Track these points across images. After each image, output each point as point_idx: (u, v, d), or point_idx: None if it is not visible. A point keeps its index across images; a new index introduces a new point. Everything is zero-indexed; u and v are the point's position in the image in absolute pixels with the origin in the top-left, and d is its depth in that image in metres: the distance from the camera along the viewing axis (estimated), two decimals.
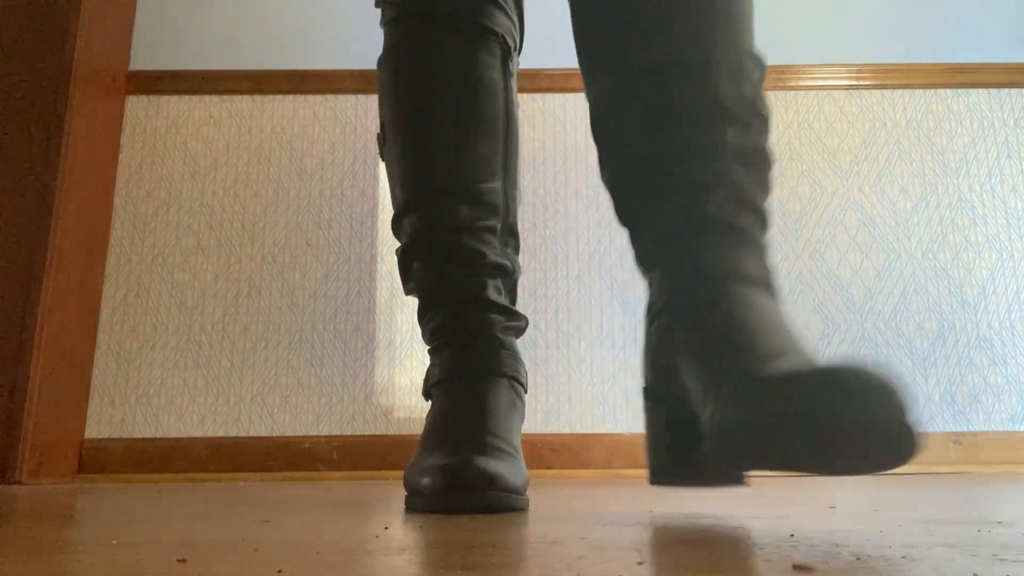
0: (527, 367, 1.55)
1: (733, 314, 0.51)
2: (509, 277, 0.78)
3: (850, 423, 0.40)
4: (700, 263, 0.55)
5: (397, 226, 0.78)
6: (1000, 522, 0.50)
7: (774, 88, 1.70)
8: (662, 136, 0.58)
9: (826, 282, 1.60)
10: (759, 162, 0.58)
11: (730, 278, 0.54)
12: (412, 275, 0.77)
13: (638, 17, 0.59)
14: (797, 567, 0.32)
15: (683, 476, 0.53)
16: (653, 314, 0.59)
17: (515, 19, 0.82)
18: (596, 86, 0.64)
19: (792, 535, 0.43)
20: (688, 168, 0.57)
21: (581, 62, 0.65)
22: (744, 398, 0.44)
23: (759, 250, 0.56)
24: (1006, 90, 1.70)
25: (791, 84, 1.69)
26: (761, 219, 0.58)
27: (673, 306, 0.56)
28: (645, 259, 0.61)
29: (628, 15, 0.60)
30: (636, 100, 0.59)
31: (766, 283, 0.55)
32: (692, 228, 0.57)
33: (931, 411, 1.53)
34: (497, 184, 0.77)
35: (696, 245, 0.56)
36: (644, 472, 1.48)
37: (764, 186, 0.58)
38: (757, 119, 0.58)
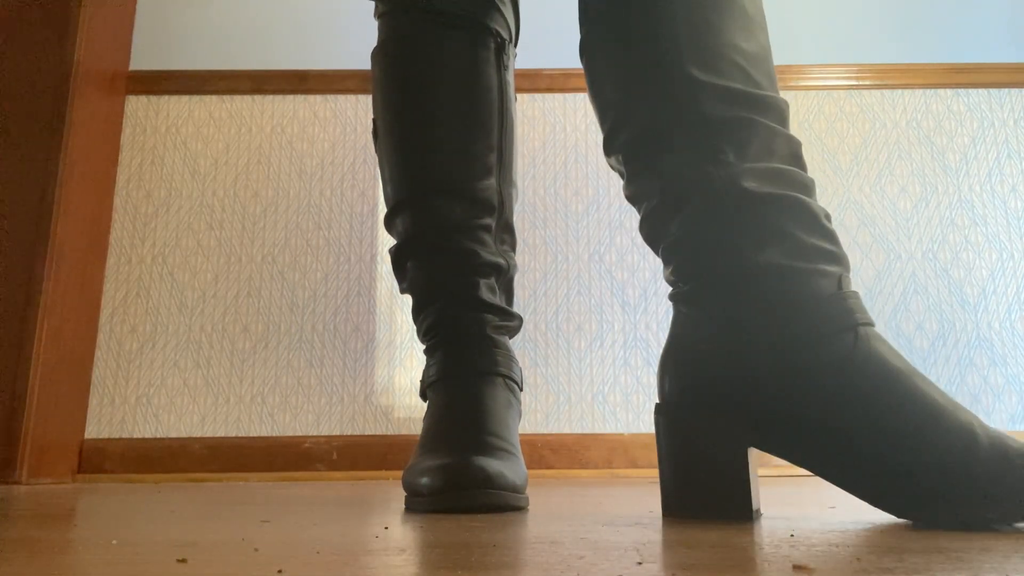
0: (527, 367, 1.55)
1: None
2: (504, 275, 0.78)
3: None
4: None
5: (390, 224, 0.78)
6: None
7: None
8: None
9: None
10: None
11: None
12: (406, 273, 0.77)
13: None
14: (797, 567, 0.31)
15: (692, 508, 0.52)
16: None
17: (510, 11, 0.81)
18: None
19: (792, 535, 0.43)
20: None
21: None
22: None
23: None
24: (1006, 90, 1.70)
25: (791, 84, 1.69)
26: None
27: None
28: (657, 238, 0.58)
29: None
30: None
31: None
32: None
33: None
34: (492, 181, 0.76)
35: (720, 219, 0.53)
36: (644, 472, 1.48)
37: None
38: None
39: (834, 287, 0.51)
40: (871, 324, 0.51)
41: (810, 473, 1.46)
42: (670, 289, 0.58)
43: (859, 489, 0.48)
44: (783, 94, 1.70)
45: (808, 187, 0.54)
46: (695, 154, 0.55)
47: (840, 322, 0.50)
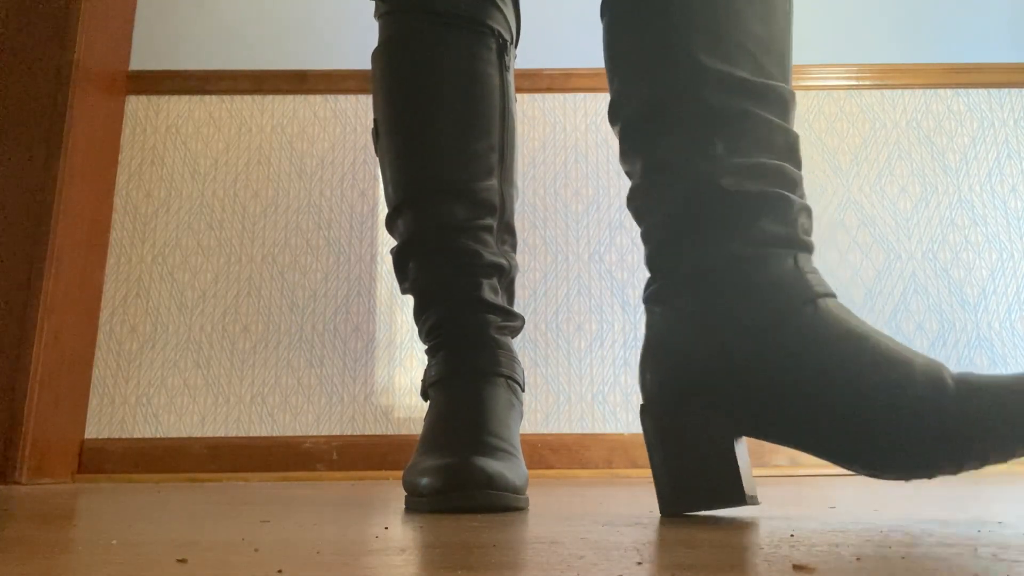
0: (527, 367, 1.55)
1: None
2: (506, 276, 0.78)
3: None
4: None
5: (392, 224, 0.77)
6: (1000, 522, 0.50)
7: None
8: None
9: (826, 282, 1.60)
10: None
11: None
12: (407, 274, 0.77)
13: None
14: (797, 567, 0.31)
15: (686, 500, 0.53)
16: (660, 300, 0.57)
17: (511, 11, 0.81)
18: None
19: (792, 535, 0.43)
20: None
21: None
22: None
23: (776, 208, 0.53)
24: (1006, 90, 1.70)
25: (791, 84, 1.69)
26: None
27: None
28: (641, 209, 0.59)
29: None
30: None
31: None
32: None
33: None
34: (493, 182, 0.76)
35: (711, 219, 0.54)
36: (644, 472, 1.48)
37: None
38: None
39: (791, 266, 0.53)
40: (832, 295, 0.52)
41: (810, 473, 1.46)
42: (643, 291, 0.59)
43: (837, 452, 0.49)
44: None
45: (794, 182, 0.55)
46: (686, 142, 0.55)
47: (800, 295, 0.52)
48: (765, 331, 0.51)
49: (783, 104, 0.56)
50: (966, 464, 0.45)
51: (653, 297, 0.57)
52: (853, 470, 0.49)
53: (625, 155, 0.60)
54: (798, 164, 0.56)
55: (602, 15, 0.63)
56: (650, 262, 0.58)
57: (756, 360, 0.51)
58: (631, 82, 0.59)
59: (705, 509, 0.52)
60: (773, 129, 0.55)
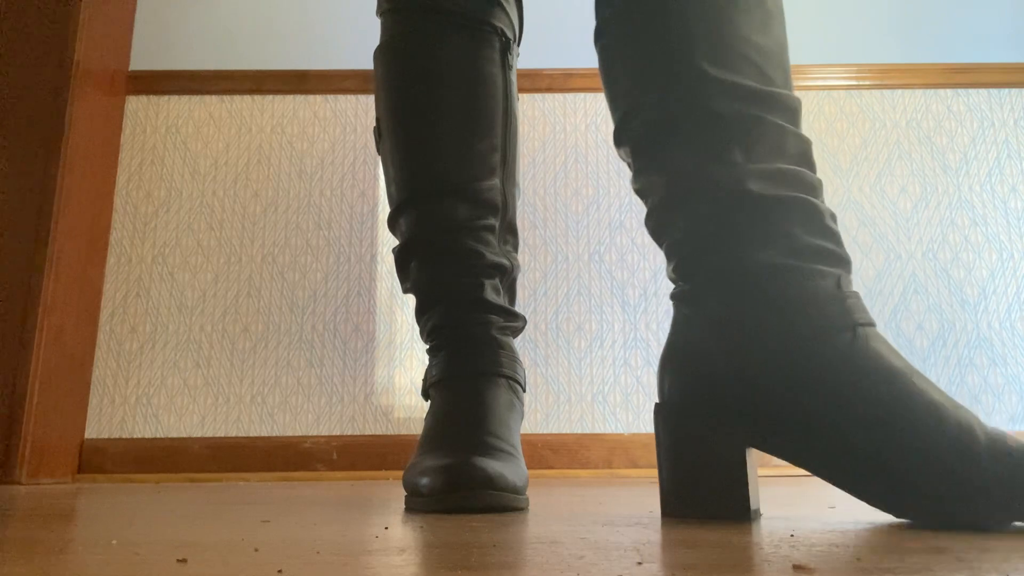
0: (527, 367, 1.55)
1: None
2: (508, 276, 0.77)
3: None
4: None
5: (393, 224, 0.77)
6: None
7: None
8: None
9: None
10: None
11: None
12: (409, 274, 0.77)
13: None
14: (797, 567, 0.31)
15: (691, 508, 0.52)
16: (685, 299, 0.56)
17: (514, 10, 0.80)
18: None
19: (792, 535, 0.43)
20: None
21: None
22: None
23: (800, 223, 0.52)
24: (1006, 90, 1.70)
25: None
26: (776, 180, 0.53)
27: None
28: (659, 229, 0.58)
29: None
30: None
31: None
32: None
33: None
34: (496, 181, 0.76)
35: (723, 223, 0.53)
36: (644, 472, 1.48)
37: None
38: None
39: (833, 287, 0.51)
40: (871, 324, 0.51)
41: (810, 473, 1.46)
42: (672, 287, 0.57)
43: (857, 488, 0.48)
44: None
45: (815, 187, 0.54)
46: (702, 151, 0.54)
47: (839, 321, 0.50)
48: (797, 350, 0.49)
49: (792, 111, 0.55)
50: (987, 522, 0.44)
51: (682, 296, 0.56)
52: (868, 503, 0.48)
53: (640, 174, 0.59)
54: (814, 170, 0.55)
55: (597, 40, 0.62)
56: (678, 270, 0.56)
57: (782, 378, 0.49)
58: (636, 99, 0.58)
59: (708, 517, 0.51)
60: (786, 135, 0.54)
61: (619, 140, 0.60)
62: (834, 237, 0.53)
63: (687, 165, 0.55)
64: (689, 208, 0.55)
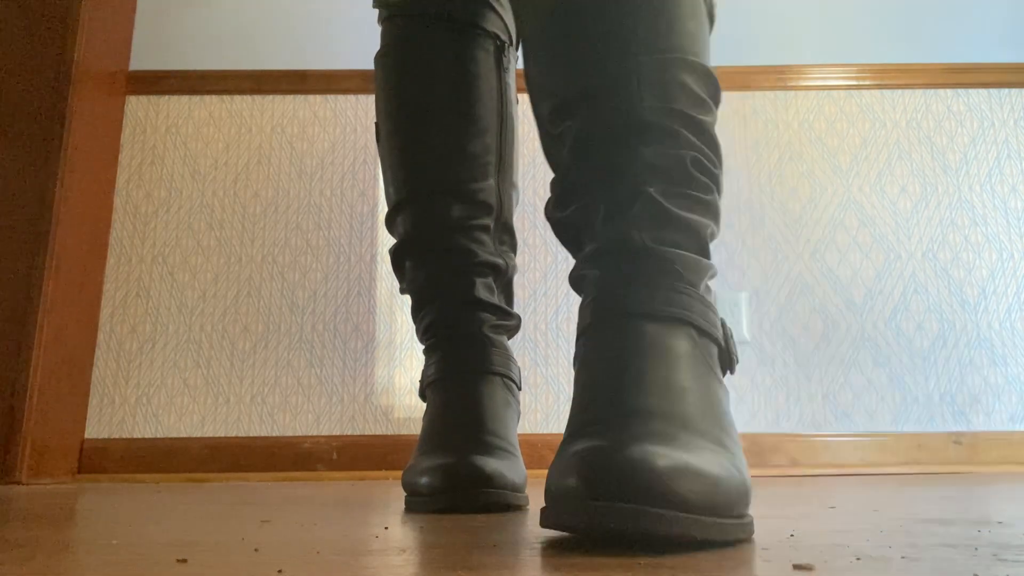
0: (528, 367, 1.55)
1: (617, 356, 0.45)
2: (503, 275, 0.78)
3: None
4: (606, 294, 0.48)
5: (391, 224, 0.79)
6: (1000, 522, 0.50)
7: (774, 88, 1.70)
8: (584, 159, 0.52)
9: (826, 282, 1.60)
10: (686, 176, 0.49)
11: (626, 314, 0.46)
12: (405, 274, 0.78)
13: (569, 47, 0.54)
14: (797, 567, 0.32)
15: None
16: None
17: (508, 13, 0.82)
18: (540, 113, 0.59)
19: (792, 535, 0.43)
20: (605, 188, 0.50)
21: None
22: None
23: (683, 274, 0.48)
24: (1006, 90, 1.70)
25: (791, 84, 1.69)
26: (693, 237, 0.49)
27: (584, 335, 0.49)
28: (577, 283, 0.54)
29: (562, 46, 0.54)
30: (572, 125, 0.54)
31: (679, 319, 0.46)
32: (605, 251, 0.49)
33: (931, 411, 1.53)
34: (491, 182, 0.77)
35: (609, 272, 0.49)
36: None
37: (697, 200, 0.50)
38: (689, 130, 0.50)
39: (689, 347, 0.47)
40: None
41: (810, 473, 1.46)
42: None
43: None
44: (783, 94, 1.70)
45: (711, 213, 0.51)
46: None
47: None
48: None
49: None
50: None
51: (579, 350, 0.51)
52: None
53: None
54: (716, 165, 0.52)
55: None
56: (575, 278, 0.53)
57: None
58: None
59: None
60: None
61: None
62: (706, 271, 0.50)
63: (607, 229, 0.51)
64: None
